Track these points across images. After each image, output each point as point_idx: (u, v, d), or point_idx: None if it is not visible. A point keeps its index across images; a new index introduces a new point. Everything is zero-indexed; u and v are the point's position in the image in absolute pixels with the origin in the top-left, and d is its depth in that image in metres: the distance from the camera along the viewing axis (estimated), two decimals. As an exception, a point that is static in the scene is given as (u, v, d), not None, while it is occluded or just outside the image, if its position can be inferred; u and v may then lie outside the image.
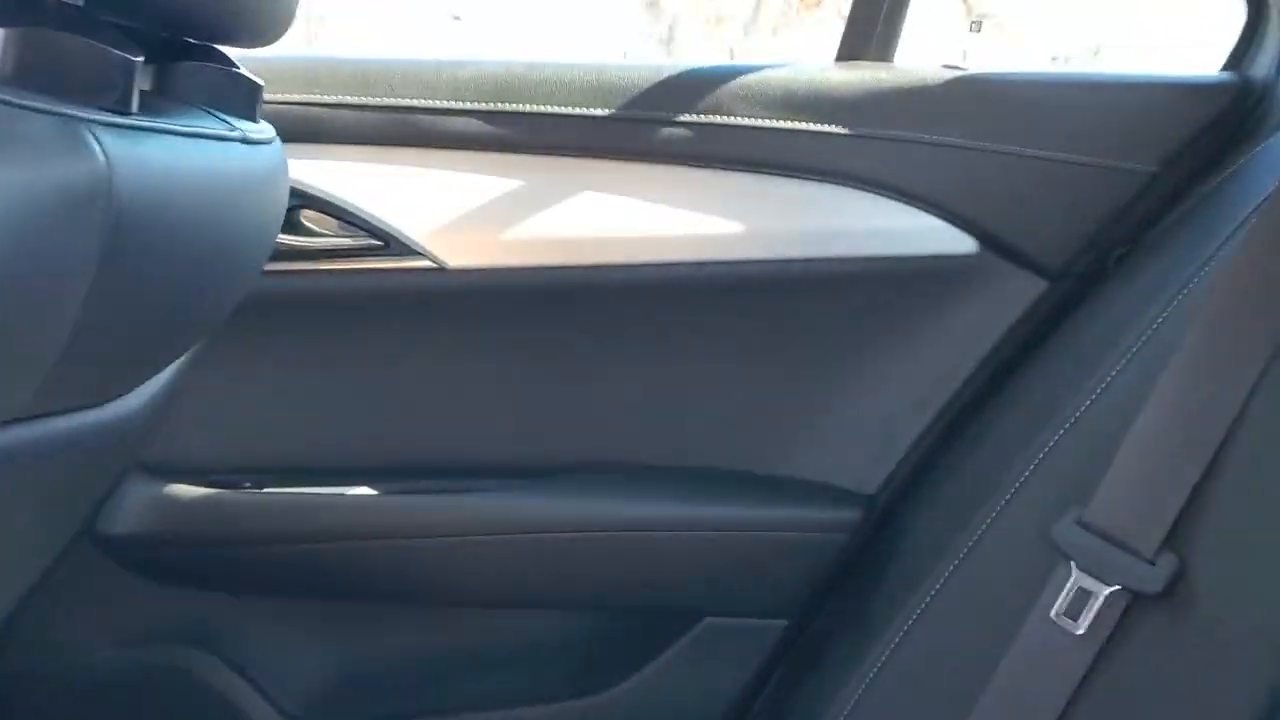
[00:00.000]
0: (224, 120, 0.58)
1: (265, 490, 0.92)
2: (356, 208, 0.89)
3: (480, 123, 0.91)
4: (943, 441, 0.95)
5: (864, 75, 0.94)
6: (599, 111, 0.91)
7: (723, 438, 0.97)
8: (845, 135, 0.92)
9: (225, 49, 0.63)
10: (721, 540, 0.95)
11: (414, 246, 0.90)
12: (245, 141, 0.59)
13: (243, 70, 0.61)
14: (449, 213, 0.90)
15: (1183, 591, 0.78)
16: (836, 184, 0.92)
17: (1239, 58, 0.97)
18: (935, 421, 0.96)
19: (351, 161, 0.90)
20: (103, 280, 0.47)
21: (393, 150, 0.91)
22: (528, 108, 0.91)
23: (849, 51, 0.98)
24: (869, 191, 0.92)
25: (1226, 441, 0.79)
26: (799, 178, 0.92)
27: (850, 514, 0.95)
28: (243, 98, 0.61)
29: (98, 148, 0.45)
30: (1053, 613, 0.81)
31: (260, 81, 0.63)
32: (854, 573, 0.95)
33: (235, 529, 0.92)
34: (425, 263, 0.90)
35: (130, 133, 0.48)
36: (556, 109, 0.91)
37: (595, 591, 0.96)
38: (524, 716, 0.98)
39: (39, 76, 0.46)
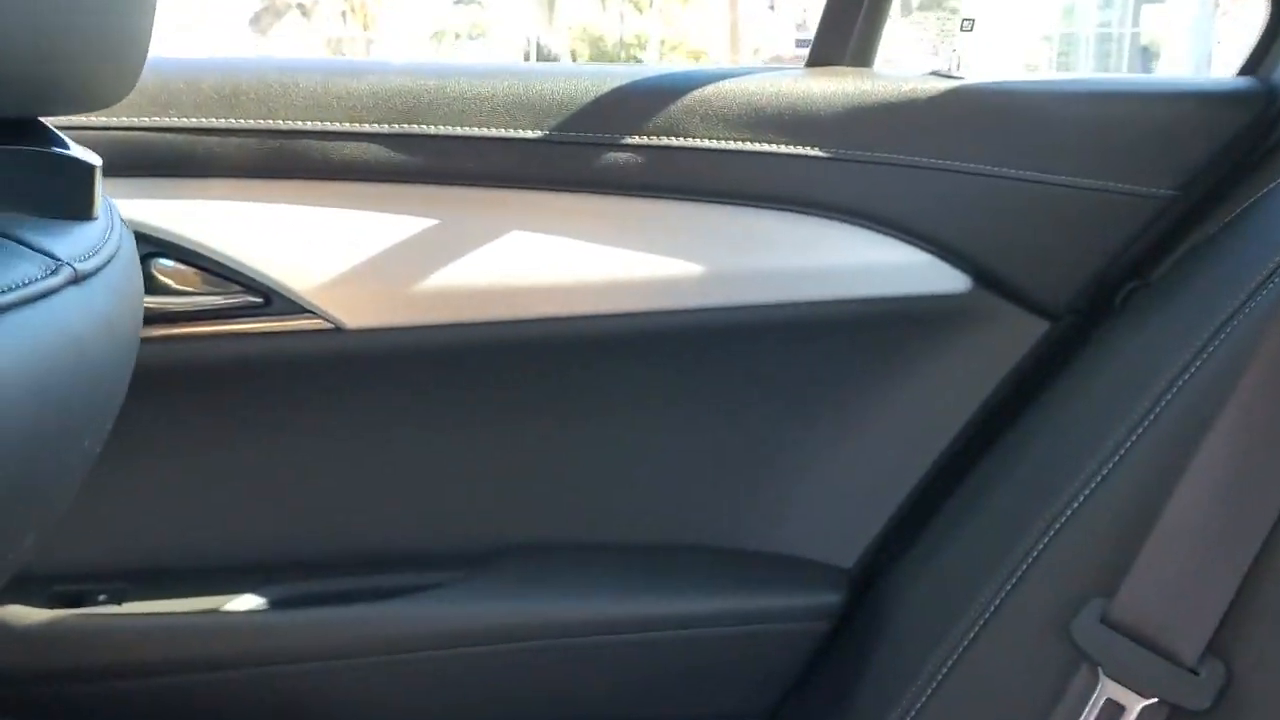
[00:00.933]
0: (39, 251, 0.40)
1: (123, 607, 0.74)
2: (229, 257, 0.71)
3: (381, 148, 0.73)
4: (933, 507, 0.83)
5: (841, 86, 0.79)
6: (527, 133, 0.75)
7: (679, 511, 0.83)
8: (820, 158, 0.77)
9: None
10: (685, 639, 0.80)
11: (302, 303, 0.72)
12: (76, 280, 0.41)
13: (72, 149, 0.43)
14: (344, 260, 0.73)
15: (1231, 707, 0.66)
16: (810, 215, 0.78)
17: (1257, 62, 0.85)
18: (924, 483, 0.83)
19: (221, 200, 0.72)
20: None
21: (272, 184, 0.73)
22: (439, 129, 0.74)
23: (823, 56, 0.83)
24: (847, 223, 0.78)
25: (1278, 527, 0.67)
26: (766, 208, 0.77)
27: (829, 594, 0.82)
28: (70, 188, 0.43)
29: None
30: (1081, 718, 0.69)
31: (95, 161, 0.44)
32: (836, 663, 0.82)
33: (86, 658, 0.74)
34: (317, 322, 0.73)
35: None
36: (474, 130, 0.74)
37: (538, 711, 0.81)
38: None
39: None
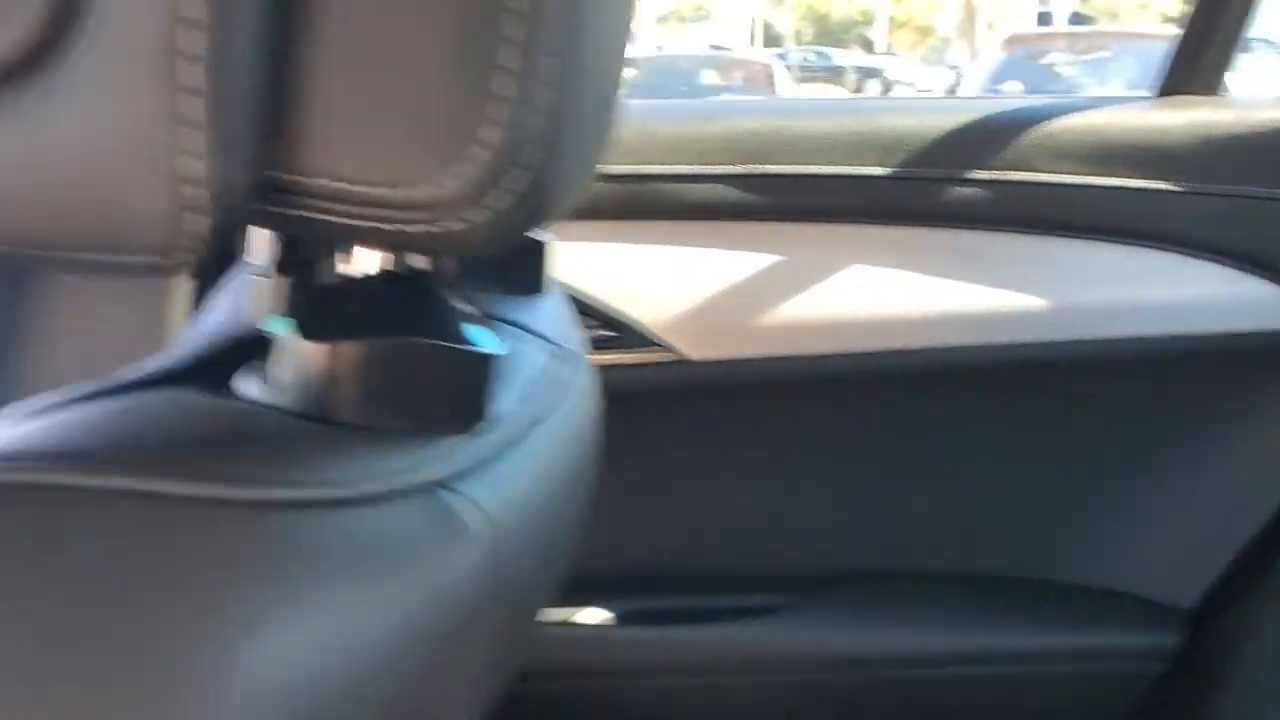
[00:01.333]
0: (538, 335, 0.43)
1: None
2: (584, 294, 0.75)
3: (730, 189, 0.76)
4: (1262, 554, 0.80)
5: (1196, 116, 0.77)
6: (872, 170, 0.75)
7: (1018, 543, 0.82)
8: (1173, 191, 0.75)
9: None
10: (1018, 674, 0.80)
11: (651, 337, 0.75)
12: (574, 359, 0.43)
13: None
14: (690, 296, 0.76)
15: None
16: (1162, 250, 0.76)
17: None
18: (1272, 524, 0.80)
19: (579, 240, 0.75)
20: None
21: (628, 225, 0.76)
22: (786, 168, 0.75)
23: (1176, 83, 0.81)
24: (1199, 258, 0.75)
25: None
26: (1116, 242, 0.76)
27: (1168, 634, 0.80)
28: (531, 265, 0.46)
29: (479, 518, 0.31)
30: None
31: (549, 236, 0.47)
32: (1173, 708, 0.80)
33: None
34: (664, 355, 0.76)
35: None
36: (820, 169, 0.75)
37: None
38: None
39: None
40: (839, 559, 0.82)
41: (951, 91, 7.80)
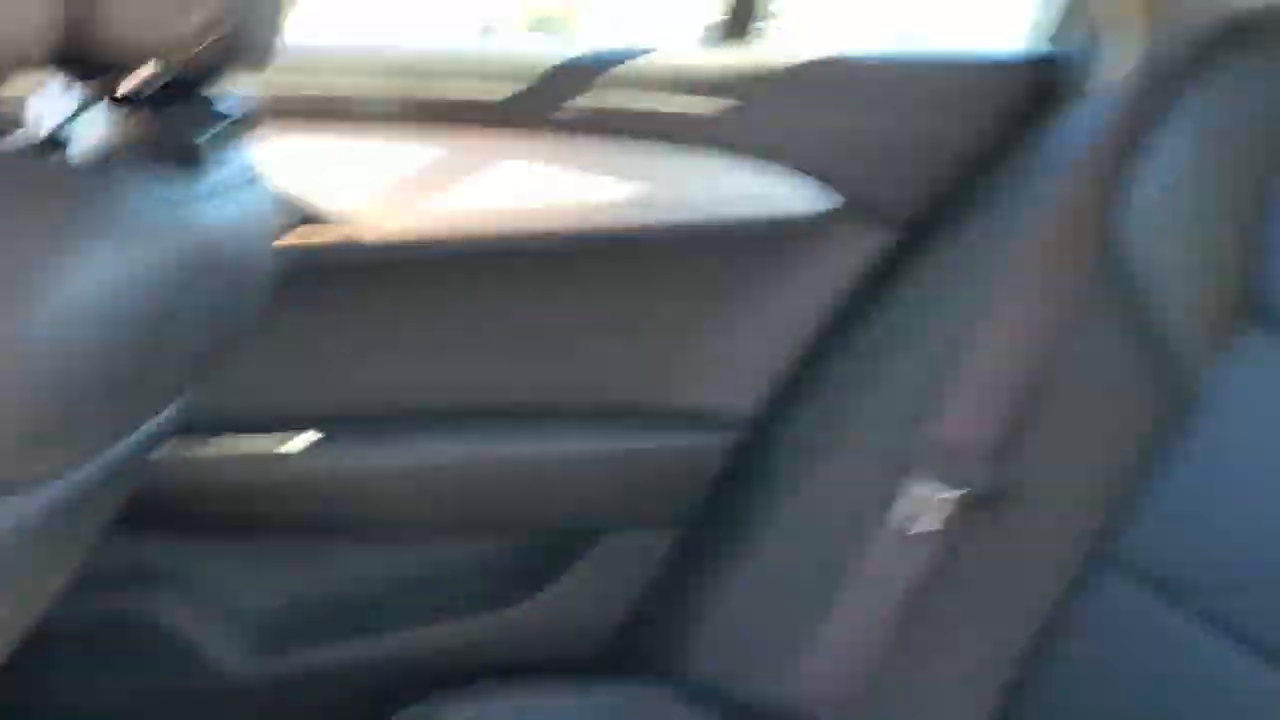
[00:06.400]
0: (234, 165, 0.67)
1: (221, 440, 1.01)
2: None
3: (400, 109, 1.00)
4: (808, 371, 1.10)
5: (737, 59, 1.06)
6: (498, 95, 1.01)
7: (620, 376, 1.10)
8: (731, 108, 1.04)
9: None
10: (621, 463, 1.08)
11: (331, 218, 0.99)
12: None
13: (238, 101, 0.69)
14: (375, 187, 0.99)
15: (1011, 495, 0.95)
16: (721, 154, 1.05)
17: (1044, 32, 1.13)
18: (802, 354, 1.11)
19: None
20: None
21: (310, 124, 0.99)
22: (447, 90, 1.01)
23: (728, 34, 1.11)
24: (752, 158, 1.05)
25: (1044, 366, 0.96)
26: (688, 149, 1.04)
27: (728, 434, 1.10)
28: (233, 129, 0.69)
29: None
30: (900, 515, 0.98)
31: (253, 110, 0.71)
32: (731, 487, 1.10)
33: (187, 477, 1.00)
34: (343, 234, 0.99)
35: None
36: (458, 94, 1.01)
37: (511, 518, 1.09)
38: (444, 631, 1.10)
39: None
40: (484, 395, 1.08)
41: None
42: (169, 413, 0.72)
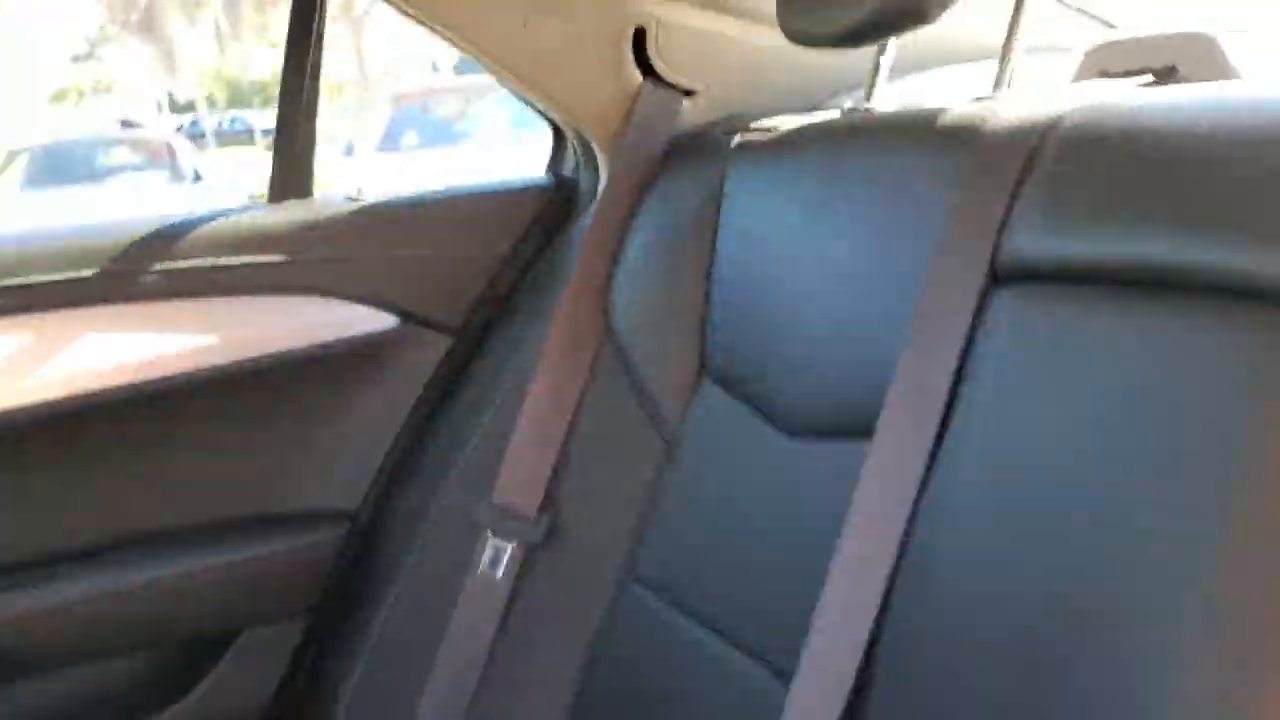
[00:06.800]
0: None
1: None
2: None
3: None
4: (398, 462, 1.32)
5: (295, 211, 1.27)
6: (86, 273, 1.18)
7: (237, 492, 1.28)
8: (292, 256, 1.25)
9: None
10: (248, 567, 1.26)
11: None
12: None
13: None
14: None
15: (557, 538, 1.19)
16: (287, 295, 1.25)
17: (554, 162, 1.39)
18: (392, 450, 1.32)
19: None
20: None
21: None
22: (28, 279, 1.17)
23: (281, 193, 1.31)
24: (316, 296, 1.26)
25: (572, 429, 1.20)
26: (262, 294, 1.24)
27: (338, 527, 1.30)
28: None
29: None
30: (479, 570, 1.20)
31: None
32: (347, 572, 1.30)
33: None
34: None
35: None
36: (46, 277, 1.18)
37: (155, 633, 1.25)
38: None
39: None
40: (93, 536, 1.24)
41: (349, 148, 8.26)
42: None
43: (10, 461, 1.19)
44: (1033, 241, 0.78)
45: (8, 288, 1.16)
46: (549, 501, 1.20)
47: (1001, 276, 0.80)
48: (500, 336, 1.30)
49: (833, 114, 1.15)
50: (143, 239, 1.21)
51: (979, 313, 0.81)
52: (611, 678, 1.14)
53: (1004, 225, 0.80)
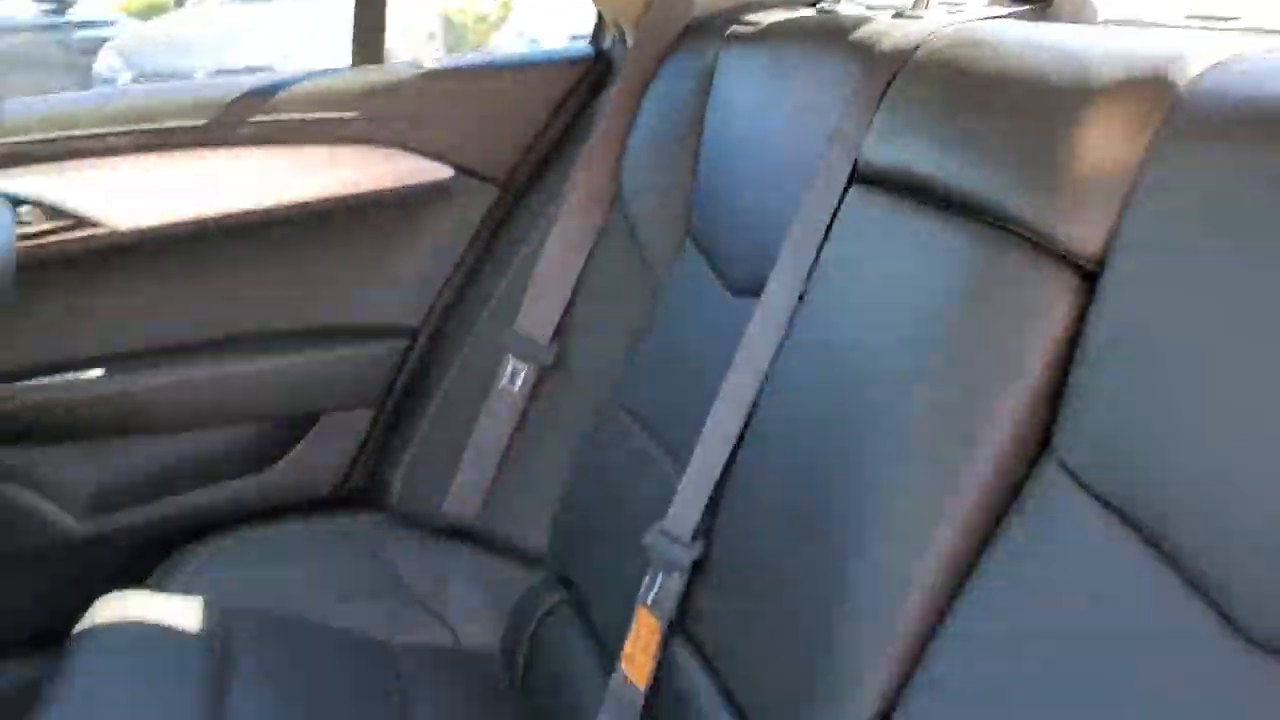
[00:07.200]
0: None
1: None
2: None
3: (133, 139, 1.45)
4: (452, 292, 1.59)
5: (371, 76, 1.52)
6: (201, 121, 1.47)
7: (324, 306, 1.57)
8: (367, 113, 1.50)
9: None
10: (331, 365, 1.57)
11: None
12: None
13: None
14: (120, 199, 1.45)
15: (564, 364, 1.44)
16: (364, 146, 1.51)
17: (595, 37, 1.59)
18: (448, 280, 1.59)
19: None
20: None
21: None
22: (165, 124, 1.46)
23: (360, 59, 1.55)
24: (382, 148, 1.51)
25: (583, 274, 1.44)
26: (344, 144, 1.50)
27: (403, 340, 1.59)
28: None
29: None
30: (501, 385, 1.47)
31: None
32: (408, 374, 1.59)
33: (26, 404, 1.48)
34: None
35: None
36: (173, 123, 1.46)
37: (255, 411, 1.58)
38: (214, 492, 1.57)
39: None
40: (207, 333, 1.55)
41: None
42: None
43: (147, 270, 1.51)
44: (873, 149, 0.97)
45: (143, 130, 1.46)
46: (558, 333, 1.45)
47: (857, 177, 0.99)
48: (538, 190, 1.54)
49: (810, 12, 1.32)
50: (247, 94, 1.48)
51: (839, 206, 1.00)
52: (588, 478, 1.40)
53: (866, 132, 0.98)
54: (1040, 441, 0.75)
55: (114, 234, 1.44)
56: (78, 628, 1.20)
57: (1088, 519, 0.68)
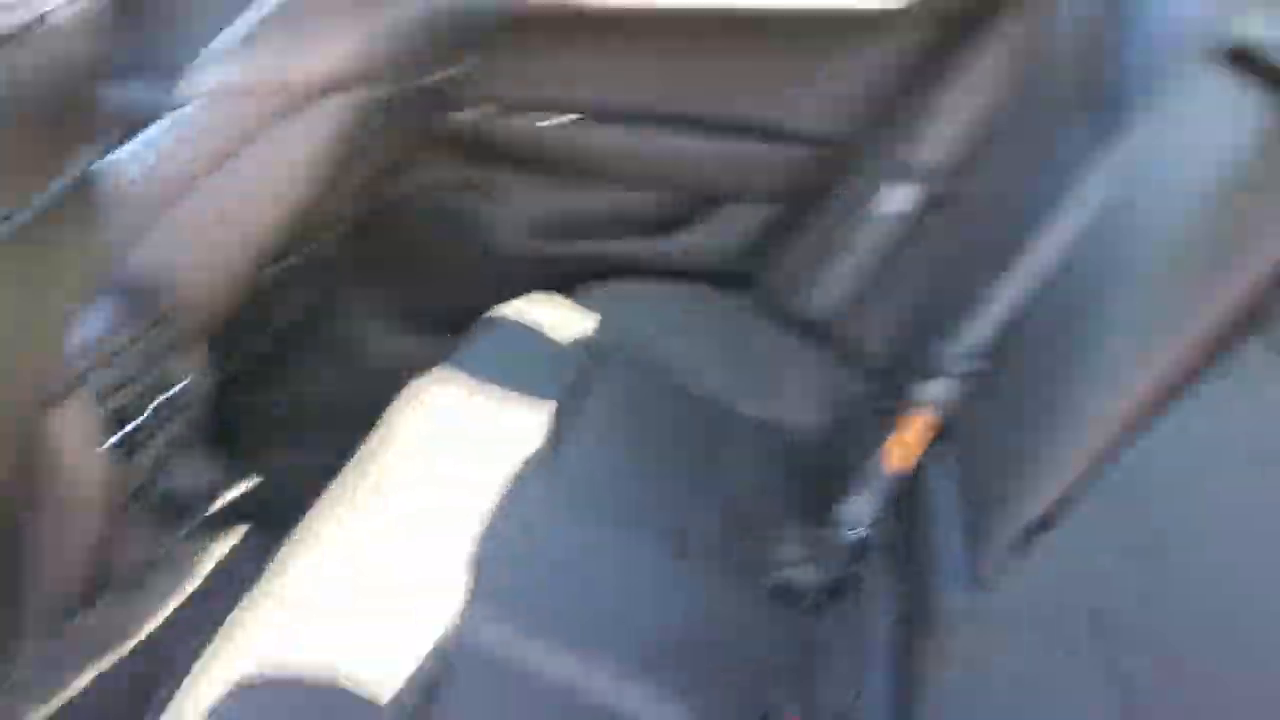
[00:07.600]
0: None
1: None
2: None
3: None
4: (875, 109, 1.68)
5: None
6: None
7: (749, 102, 1.72)
8: None
9: None
10: (743, 156, 1.73)
11: None
12: None
13: None
14: None
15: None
16: None
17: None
18: (880, 95, 1.68)
19: None
20: None
21: None
22: None
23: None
24: None
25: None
26: None
27: (812, 147, 1.71)
28: None
29: None
30: (885, 204, 1.56)
31: None
32: (816, 179, 1.71)
33: (497, 134, 1.74)
34: None
35: None
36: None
37: (672, 181, 1.78)
38: (625, 246, 1.81)
39: None
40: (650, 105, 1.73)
41: None
42: None
43: (623, 46, 1.71)
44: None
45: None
46: (961, 165, 1.51)
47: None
48: (970, 36, 1.58)
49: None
50: None
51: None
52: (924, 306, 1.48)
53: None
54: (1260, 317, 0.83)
55: (604, 9, 1.65)
56: (486, 315, 1.49)
57: None
